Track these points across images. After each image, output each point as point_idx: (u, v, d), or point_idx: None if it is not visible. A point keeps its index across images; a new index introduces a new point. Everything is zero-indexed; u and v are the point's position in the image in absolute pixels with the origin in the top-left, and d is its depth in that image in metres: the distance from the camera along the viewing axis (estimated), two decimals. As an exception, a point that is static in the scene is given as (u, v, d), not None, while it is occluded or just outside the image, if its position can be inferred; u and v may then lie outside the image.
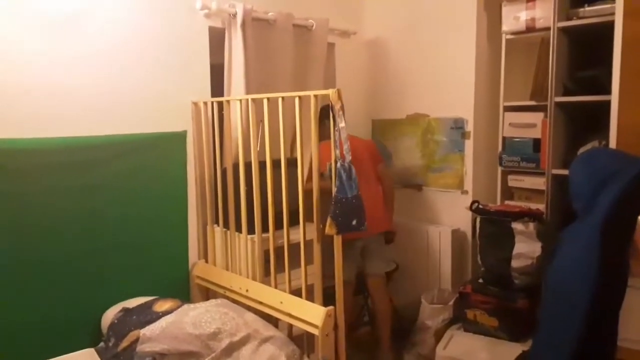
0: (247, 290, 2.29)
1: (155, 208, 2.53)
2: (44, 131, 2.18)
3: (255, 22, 2.73)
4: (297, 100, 2.10)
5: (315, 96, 2.05)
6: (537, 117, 2.74)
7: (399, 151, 3.38)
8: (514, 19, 2.77)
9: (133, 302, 2.26)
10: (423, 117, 3.22)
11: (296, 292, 2.17)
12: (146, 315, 2.12)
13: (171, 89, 2.56)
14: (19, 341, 2.12)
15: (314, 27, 3.02)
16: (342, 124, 1.92)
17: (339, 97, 1.93)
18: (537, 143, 2.75)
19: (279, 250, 2.25)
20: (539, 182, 2.73)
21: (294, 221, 2.18)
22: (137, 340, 1.95)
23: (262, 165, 2.27)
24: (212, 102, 2.55)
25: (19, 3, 2.11)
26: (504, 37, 2.87)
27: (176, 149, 2.61)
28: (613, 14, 2.19)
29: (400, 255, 3.21)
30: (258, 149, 2.37)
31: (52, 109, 2.21)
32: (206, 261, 2.64)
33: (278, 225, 2.23)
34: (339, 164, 1.90)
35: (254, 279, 2.35)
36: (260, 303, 2.23)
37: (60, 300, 2.23)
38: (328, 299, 2.06)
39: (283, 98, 2.17)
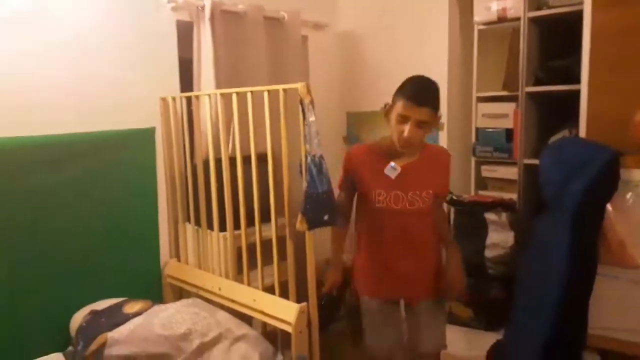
0: (219, 289, 2.25)
1: (124, 207, 2.47)
2: (7, 130, 2.10)
3: (224, 15, 2.67)
4: (265, 95, 2.07)
5: (285, 90, 2.02)
6: (509, 108, 2.75)
7: (374, 144, 3.36)
8: (485, 9, 2.76)
9: (102, 304, 2.21)
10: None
11: (270, 290, 2.14)
12: (116, 318, 2.07)
13: (138, 84, 2.49)
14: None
15: (285, 19, 2.98)
16: (312, 118, 1.89)
17: (308, 90, 1.90)
18: (509, 133, 2.76)
19: (251, 247, 2.22)
20: (512, 172, 2.74)
21: (266, 218, 2.15)
22: (104, 343, 1.90)
23: (232, 161, 2.23)
24: (181, 98, 2.49)
25: None
26: (475, 28, 2.86)
27: (145, 146, 2.55)
28: (582, 3, 2.20)
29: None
30: (230, 145, 2.33)
31: (16, 107, 2.12)
32: (178, 260, 2.59)
33: (250, 222, 2.20)
34: (309, 159, 1.88)
35: (226, 277, 2.31)
36: (233, 301, 2.20)
37: (27, 303, 2.16)
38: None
39: (252, 92, 2.13)
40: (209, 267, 2.41)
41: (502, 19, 2.72)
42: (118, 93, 2.43)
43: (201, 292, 2.35)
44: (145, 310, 2.10)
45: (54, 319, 2.23)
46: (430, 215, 2.00)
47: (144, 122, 2.54)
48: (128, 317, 2.06)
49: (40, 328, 2.20)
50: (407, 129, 1.82)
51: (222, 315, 2.11)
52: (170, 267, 2.56)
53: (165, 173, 2.59)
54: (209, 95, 2.35)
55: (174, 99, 2.53)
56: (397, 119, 1.86)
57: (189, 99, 2.48)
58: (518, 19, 2.61)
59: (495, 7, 2.72)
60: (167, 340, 1.88)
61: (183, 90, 2.66)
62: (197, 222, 2.46)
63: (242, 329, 2.04)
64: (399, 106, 1.85)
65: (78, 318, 2.16)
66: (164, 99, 2.57)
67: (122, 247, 2.45)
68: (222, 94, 2.26)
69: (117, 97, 2.43)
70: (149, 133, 2.55)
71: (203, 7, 2.61)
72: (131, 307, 2.14)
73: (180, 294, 2.52)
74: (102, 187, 2.39)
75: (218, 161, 2.29)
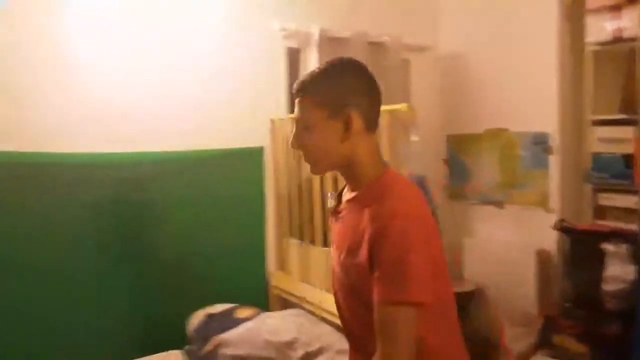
0: (320, 302, 2.34)
1: (235, 219, 2.66)
2: (133, 146, 2.37)
3: (330, 41, 2.82)
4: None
5: (389, 112, 2.08)
6: (628, 132, 2.58)
7: (477, 166, 3.31)
8: (599, 29, 2.65)
9: (216, 308, 2.38)
10: (502, 132, 3.14)
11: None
12: (228, 321, 2.23)
13: (250, 107, 2.70)
14: (113, 338, 2.32)
15: (387, 44, 3.07)
16: (414, 138, 1.93)
17: (411, 111, 1.94)
18: (629, 159, 2.58)
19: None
20: (632, 201, 2.56)
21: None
22: (220, 344, 2.05)
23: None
24: (289, 119, 2.66)
25: (100, 24, 2.31)
26: (589, 48, 2.75)
27: (254, 164, 2.74)
28: None
29: (481, 276, 3.11)
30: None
31: (136, 124, 2.39)
32: (283, 272, 2.73)
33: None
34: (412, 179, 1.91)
35: (328, 291, 2.39)
36: (335, 315, 2.26)
37: (150, 303, 2.40)
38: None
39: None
40: (312, 280, 2.51)
41: (617, 39, 2.59)
42: (231, 114, 2.65)
43: (304, 304, 2.45)
44: (254, 316, 2.25)
45: (173, 319, 2.44)
46: (365, 301, 1.08)
47: (254, 142, 2.73)
48: (238, 322, 2.21)
49: (161, 326, 2.42)
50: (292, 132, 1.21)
51: (325, 327, 2.19)
52: (275, 279, 2.71)
53: (272, 189, 2.76)
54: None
55: (282, 120, 2.71)
56: None
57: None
58: (635, 39, 2.48)
59: (610, 26, 2.60)
60: (274, 346, 2.00)
61: (290, 112, 2.83)
62: (301, 237, 2.59)
63: (345, 343, 2.10)
64: None
65: (195, 320, 2.35)
66: (273, 120, 2.75)
67: (232, 257, 2.63)
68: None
69: (230, 118, 2.64)
70: (258, 152, 2.74)
71: (311, 35, 2.78)
72: (241, 313, 2.29)
73: (285, 304, 2.64)
74: (215, 201, 2.60)
75: (322, 179, 2.40)
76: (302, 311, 2.38)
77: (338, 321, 2.21)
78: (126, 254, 2.37)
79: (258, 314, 2.28)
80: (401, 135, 1.95)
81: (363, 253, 1.06)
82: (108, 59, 2.34)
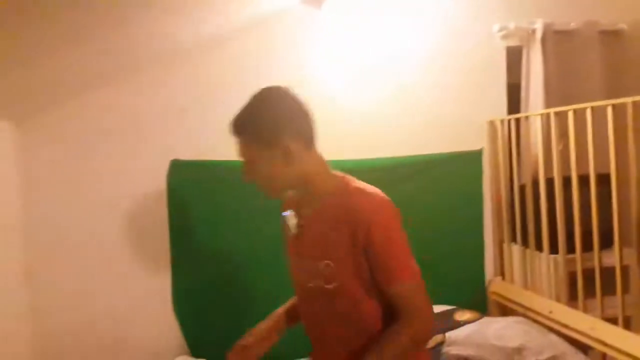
0: (550, 312, 2.19)
1: (452, 222, 2.66)
2: (353, 153, 2.53)
3: (555, 35, 2.65)
4: (609, 110, 1.95)
5: (634, 103, 1.86)
6: None
7: None
8: None
9: (435, 309, 2.42)
10: None
11: (609, 321, 1.97)
12: (447, 322, 2.25)
13: (468, 109, 2.68)
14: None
15: (624, 32, 2.73)
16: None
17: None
18: None
19: (586, 273, 2.09)
20: None
21: (605, 243, 2.00)
22: (442, 343, 2.09)
23: (565, 181, 2.17)
24: (509, 120, 2.57)
25: (328, 45, 2.54)
26: None
27: (472, 167, 2.71)
28: None
29: None
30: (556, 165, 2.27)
31: (358, 133, 2.56)
32: (503, 278, 2.63)
33: (585, 246, 2.08)
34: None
35: (557, 300, 2.23)
36: (566, 326, 2.10)
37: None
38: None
39: (592, 108, 2.04)
40: (537, 288, 2.37)
41: None
42: (449, 118, 2.67)
43: (528, 313, 2.33)
44: (475, 320, 2.22)
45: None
46: (348, 300, 1.22)
47: (471, 145, 2.71)
48: (459, 324, 2.21)
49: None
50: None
51: (554, 338, 2.05)
52: (495, 285, 2.63)
53: (491, 193, 2.69)
54: (541, 114, 2.36)
55: (501, 121, 2.63)
56: None
57: (517, 121, 2.54)
58: None
59: None
60: (501, 351, 1.95)
61: (508, 113, 2.73)
62: (524, 243, 2.46)
63: (578, 355, 1.94)
64: None
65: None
66: (491, 122, 2.69)
67: (449, 260, 2.63)
68: (556, 113, 2.23)
69: (448, 122, 2.67)
70: (477, 155, 2.71)
71: (534, 31, 2.64)
72: (461, 315, 2.29)
73: (504, 311, 2.55)
74: (432, 203, 2.64)
75: (549, 181, 2.26)
76: (525, 319, 2.26)
77: (567, 332, 2.07)
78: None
79: (479, 318, 2.25)
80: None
81: (350, 250, 1.17)
82: (342, 75, 2.56)
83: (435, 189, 2.65)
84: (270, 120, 1.20)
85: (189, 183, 2.41)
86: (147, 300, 2.38)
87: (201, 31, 2.41)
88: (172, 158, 2.38)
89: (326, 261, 1.21)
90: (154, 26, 2.35)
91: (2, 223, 2.16)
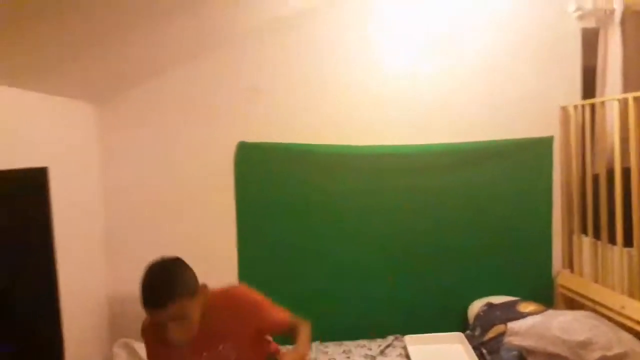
0: (622, 307, 2.08)
1: (519, 211, 2.59)
2: (425, 138, 2.56)
3: (635, 16, 2.47)
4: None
5: None
6: None
7: None
8: None
9: (497, 299, 2.38)
10: None
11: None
12: (510, 313, 2.20)
13: (539, 94, 2.58)
14: (404, 309, 2.57)
15: None
16: None
17: None
18: None
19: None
20: None
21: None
22: (503, 333, 2.05)
23: (644, 171, 2.04)
24: (583, 105, 2.44)
25: (391, 27, 2.56)
26: None
27: (542, 154, 2.61)
28: None
29: None
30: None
31: (419, 118, 2.57)
32: (571, 271, 2.53)
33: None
34: None
35: (630, 296, 2.11)
36: (639, 323, 1.99)
37: (427, 287, 2.56)
38: None
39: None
40: (609, 282, 2.26)
41: None
42: (518, 103, 2.58)
43: (598, 308, 2.23)
44: (539, 312, 2.16)
45: (454, 304, 2.54)
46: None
47: (542, 131, 2.60)
48: (522, 315, 2.16)
49: (443, 310, 2.54)
50: (169, 334, 1.33)
51: (624, 334, 1.95)
52: (562, 277, 2.53)
53: (561, 182, 2.58)
54: (619, 99, 2.22)
55: (575, 107, 2.50)
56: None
57: (592, 106, 2.41)
58: None
59: None
60: (565, 344, 1.88)
61: (582, 98, 2.59)
62: (596, 235, 2.35)
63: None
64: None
65: (475, 307, 2.41)
66: (564, 108, 2.57)
67: (514, 250, 2.58)
68: (634, 98, 2.09)
69: (517, 107, 2.58)
70: (548, 142, 2.60)
71: (612, 12, 2.48)
72: (525, 307, 2.23)
73: (572, 304, 2.45)
74: (499, 191, 2.59)
75: (625, 171, 2.13)
76: (594, 314, 2.16)
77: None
78: (423, 238, 2.57)
79: (544, 310, 2.18)
80: None
81: (247, 325, 1.47)
82: (411, 64, 2.57)
83: (502, 176, 2.59)
84: (185, 274, 1.38)
85: (255, 164, 2.53)
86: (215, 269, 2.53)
87: (275, 14, 2.47)
88: (240, 140, 2.52)
89: (230, 341, 1.49)
90: (224, 11, 2.45)
91: (85, 198, 2.39)
